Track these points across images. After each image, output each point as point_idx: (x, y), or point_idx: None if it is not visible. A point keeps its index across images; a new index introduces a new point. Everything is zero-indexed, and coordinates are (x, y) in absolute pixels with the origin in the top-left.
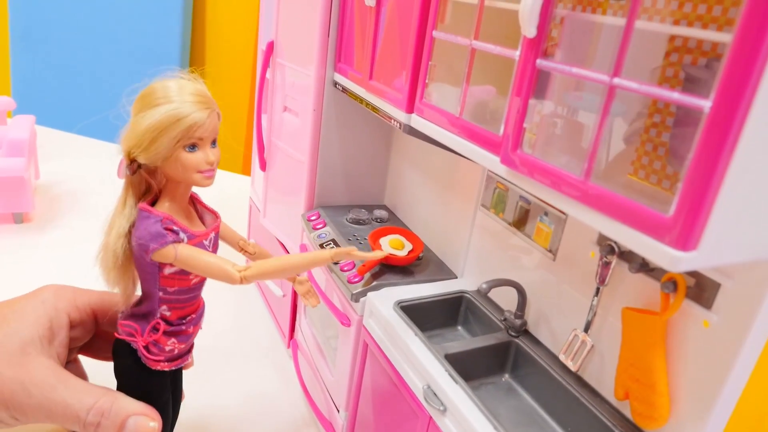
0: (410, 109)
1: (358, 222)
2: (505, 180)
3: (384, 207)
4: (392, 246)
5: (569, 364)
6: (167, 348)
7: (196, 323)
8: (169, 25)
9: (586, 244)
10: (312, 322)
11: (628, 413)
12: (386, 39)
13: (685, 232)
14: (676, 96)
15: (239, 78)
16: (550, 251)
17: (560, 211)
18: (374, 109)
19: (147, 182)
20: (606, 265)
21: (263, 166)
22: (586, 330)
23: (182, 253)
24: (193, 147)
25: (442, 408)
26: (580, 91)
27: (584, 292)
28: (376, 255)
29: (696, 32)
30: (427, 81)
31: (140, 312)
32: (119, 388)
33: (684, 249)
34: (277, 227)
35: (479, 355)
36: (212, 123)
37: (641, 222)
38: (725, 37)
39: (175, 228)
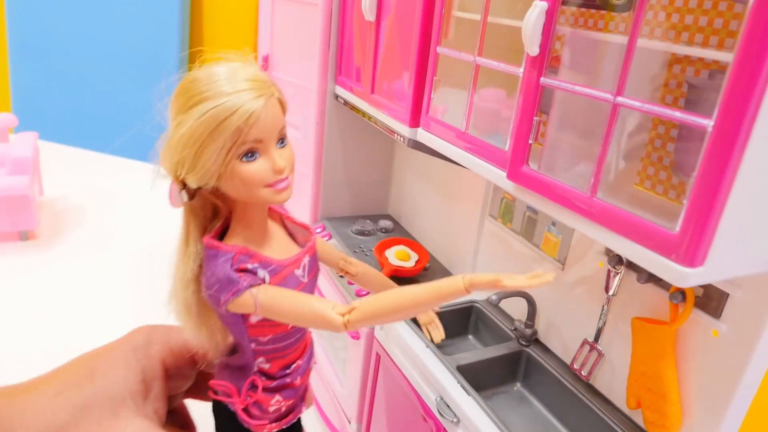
0: (414, 123)
1: (363, 233)
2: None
3: (388, 217)
4: (398, 257)
5: (581, 372)
6: (271, 408)
7: (305, 371)
8: (167, 33)
9: (594, 254)
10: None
11: (640, 421)
12: (387, 53)
13: (691, 249)
14: (678, 115)
15: None
16: (558, 261)
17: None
18: (377, 123)
19: (212, 204)
20: (614, 275)
21: None
22: (596, 339)
23: (264, 301)
24: (251, 154)
25: (455, 420)
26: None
27: (593, 301)
28: (529, 283)
29: (697, 51)
30: (431, 95)
31: (235, 365)
32: None
33: (691, 265)
34: None
35: (491, 365)
36: (273, 114)
37: (648, 238)
38: (726, 57)
39: (250, 266)
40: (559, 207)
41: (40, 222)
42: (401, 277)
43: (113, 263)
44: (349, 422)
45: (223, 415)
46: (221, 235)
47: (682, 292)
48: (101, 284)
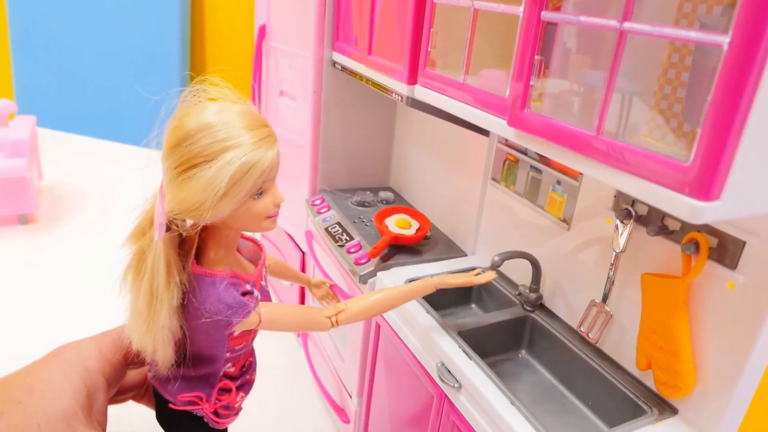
0: (412, 80)
1: (363, 204)
2: (513, 151)
3: (389, 189)
4: (398, 225)
5: (588, 336)
6: (237, 405)
7: (255, 366)
8: (168, 23)
9: (601, 211)
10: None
11: (650, 383)
12: (384, 10)
13: (706, 179)
14: (693, 35)
15: (241, 71)
16: (563, 221)
17: (573, 178)
18: (375, 85)
19: (180, 233)
20: (622, 230)
21: None
22: (604, 300)
23: (267, 317)
24: (261, 192)
25: (456, 385)
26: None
27: (601, 261)
28: (484, 278)
29: None
30: (429, 49)
31: (199, 375)
32: None
33: (706, 198)
34: (280, 216)
35: (494, 331)
36: (278, 156)
37: (659, 174)
38: None
39: (248, 287)
40: (562, 150)
41: (40, 206)
42: (401, 245)
43: (113, 248)
44: (351, 397)
45: (185, 425)
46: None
47: (695, 243)
48: (101, 268)
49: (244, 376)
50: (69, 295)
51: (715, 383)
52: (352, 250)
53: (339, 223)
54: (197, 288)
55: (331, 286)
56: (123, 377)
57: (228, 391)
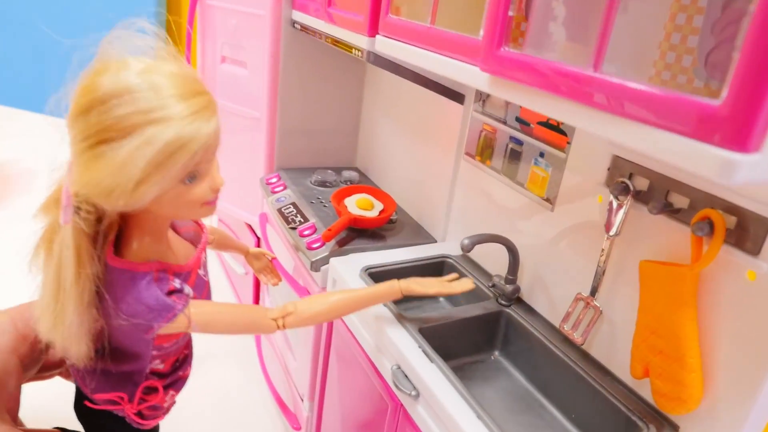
0: (373, 31)
1: (324, 184)
2: (490, 120)
3: (355, 169)
4: (359, 206)
5: (573, 336)
6: (166, 405)
7: (191, 360)
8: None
9: (591, 187)
10: (275, 301)
11: (646, 394)
12: None
13: (743, 124)
14: None
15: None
16: (547, 200)
17: (559, 148)
18: (336, 42)
19: (97, 215)
20: (618, 209)
21: None
22: (592, 293)
23: (198, 320)
24: (193, 176)
25: (413, 393)
26: None
27: (590, 246)
28: (460, 287)
29: None
30: None
31: (121, 371)
32: None
33: (742, 149)
34: (227, 199)
35: (462, 329)
36: (218, 132)
37: (678, 119)
38: None
39: (177, 284)
40: (549, 97)
41: None
42: (362, 228)
43: None
44: (302, 400)
45: (104, 423)
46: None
47: (708, 222)
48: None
49: (176, 373)
50: (14, 274)
51: (727, 396)
52: (305, 233)
53: (294, 204)
54: (113, 284)
55: (271, 259)
56: (43, 356)
57: (154, 390)
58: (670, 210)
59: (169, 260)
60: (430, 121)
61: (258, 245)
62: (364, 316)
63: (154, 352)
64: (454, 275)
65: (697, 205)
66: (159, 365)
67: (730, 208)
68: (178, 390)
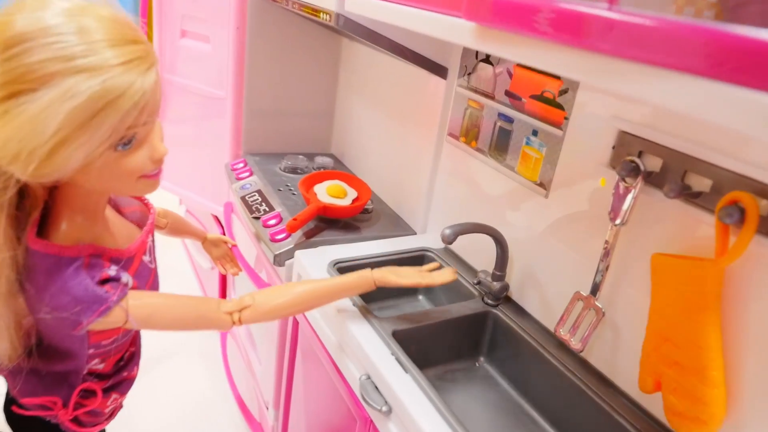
0: None
1: (294, 170)
2: (476, 95)
3: (331, 156)
4: (330, 194)
5: (570, 341)
6: (108, 409)
7: (138, 359)
8: None
9: (593, 169)
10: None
11: (657, 411)
12: None
13: None
14: None
15: None
16: (540, 185)
17: (555, 125)
18: (305, 8)
19: (19, 189)
20: (625, 193)
21: None
22: (593, 292)
23: (137, 313)
24: (128, 142)
25: (384, 408)
26: None
27: (591, 238)
28: (441, 277)
29: None
30: None
31: (54, 371)
32: None
33: None
34: (190, 188)
35: (443, 332)
36: (159, 89)
37: (740, 65)
38: None
39: (112, 272)
40: (552, 47)
41: None
42: (333, 218)
43: None
44: (267, 408)
45: (35, 430)
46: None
47: (738, 207)
48: None
49: (119, 374)
50: None
51: (754, 416)
52: (269, 223)
53: (260, 191)
54: (35, 270)
55: (232, 246)
56: None
57: (93, 393)
58: (688, 194)
59: (105, 244)
60: (410, 99)
61: None
62: (330, 315)
63: (91, 351)
64: (434, 264)
65: (721, 188)
66: (98, 365)
67: (763, 191)
68: (123, 393)
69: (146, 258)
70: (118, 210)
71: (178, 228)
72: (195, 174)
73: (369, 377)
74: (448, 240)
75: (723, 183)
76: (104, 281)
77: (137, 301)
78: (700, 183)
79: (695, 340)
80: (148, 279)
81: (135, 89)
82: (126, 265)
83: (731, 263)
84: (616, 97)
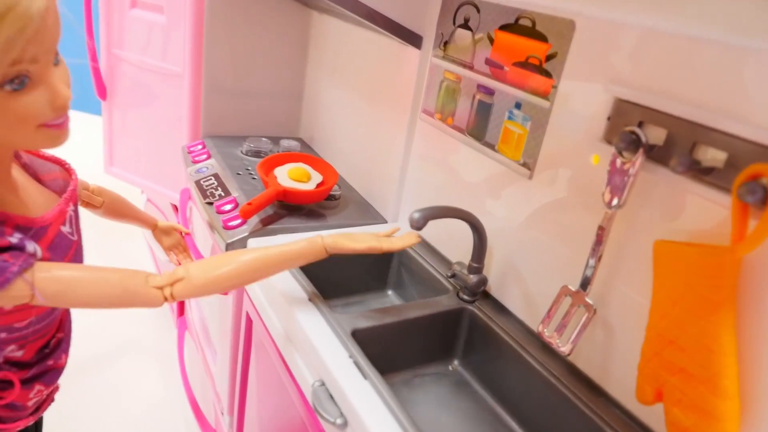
0: None
1: (257, 154)
2: (454, 66)
3: (298, 140)
4: (292, 177)
5: (555, 343)
6: (31, 403)
7: (66, 346)
8: None
9: (585, 144)
10: None
11: (656, 425)
12: None
13: None
14: None
15: None
16: (524, 165)
17: (541, 95)
18: None
19: None
20: (622, 170)
21: (102, 92)
22: (583, 287)
23: (46, 287)
24: (21, 80)
25: (339, 421)
26: None
27: (581, 224)
28: (401, 242)
29: None
30: None
31: None
32: None
33: None
34: (146, 175)
35: (412, 331)
36: (54, 18)
37: None
38: None
39: (14, 239)
40: None
41: None
42: (295, 204)
43: None
44: (222, 414)
45: None
46: None
47: (761, 185)
48: None
49: (43, 362)
50: None
51: None
52: (224, 209)
53: (216, 175)
54: None
55: (185, 235)
56: None
57: (9, 384)
58: (698, 169)
59: (8, 209)
60: (383, 74)
61: None
62: (285, 311)
63: (2, 335)
64: (394, 227)
65: (738, 162)
66: (16, 352)
67: None
68: (48, 384)
69: (66, 229)
70: (37, 177)
71: (118, 210)
72: (152, 161)
73: (323, 384)
74: (417, 225)
75: (740, 156)
76: (3, 249)
77: (45, 273)
78: (714, 156)
79: (705, 343)
80: (68, 252)
81: (19, 10)
82: (37, 235)
83: (751, 251)
84: (615, 50)
